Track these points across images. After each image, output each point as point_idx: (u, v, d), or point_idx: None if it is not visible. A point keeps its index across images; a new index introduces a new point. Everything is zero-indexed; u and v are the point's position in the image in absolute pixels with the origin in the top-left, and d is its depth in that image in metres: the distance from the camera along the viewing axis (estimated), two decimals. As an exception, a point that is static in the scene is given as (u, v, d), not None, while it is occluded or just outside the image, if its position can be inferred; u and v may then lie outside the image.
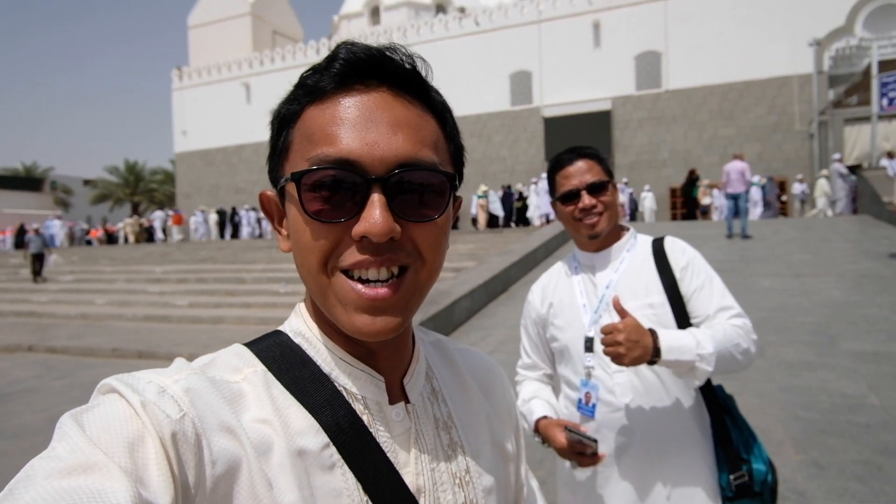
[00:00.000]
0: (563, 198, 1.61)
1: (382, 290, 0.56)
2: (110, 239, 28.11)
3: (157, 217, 28.26)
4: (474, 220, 20.28)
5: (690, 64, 23.06)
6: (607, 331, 1.35)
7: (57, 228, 24.46)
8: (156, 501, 0.44)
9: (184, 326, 9.87)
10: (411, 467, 0.62)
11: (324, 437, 0.57)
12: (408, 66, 0.60)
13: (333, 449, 0.57)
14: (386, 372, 0.65)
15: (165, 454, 0.47)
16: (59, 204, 42.02)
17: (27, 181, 37.13)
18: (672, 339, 1.38)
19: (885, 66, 14.80)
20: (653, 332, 1.38)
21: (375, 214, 0.54)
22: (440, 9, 32.44)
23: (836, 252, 10.06)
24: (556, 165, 1.64)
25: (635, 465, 1.51)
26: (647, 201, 20.81)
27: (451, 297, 7.25)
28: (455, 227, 21.67)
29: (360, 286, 0.56)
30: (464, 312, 7.45)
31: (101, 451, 0.44)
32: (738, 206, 12.30)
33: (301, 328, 0.65)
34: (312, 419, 0.58)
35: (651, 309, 1.54)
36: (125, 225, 27.81)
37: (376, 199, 0.54)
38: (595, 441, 1.39)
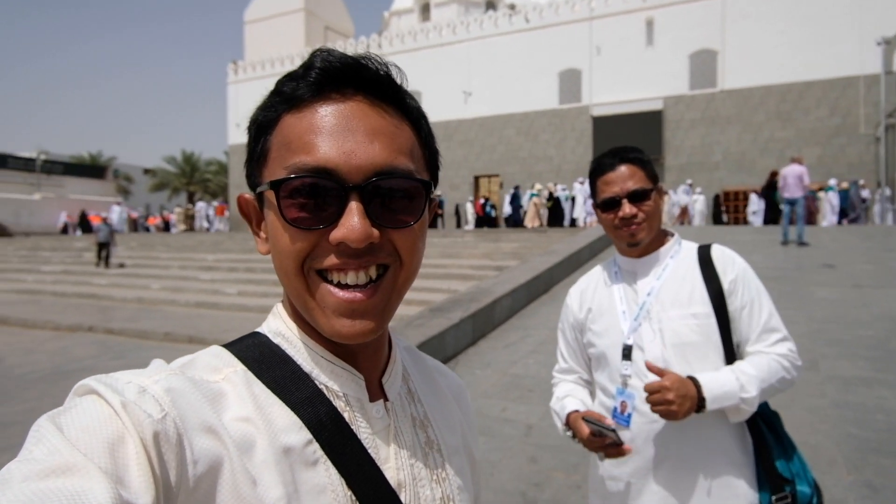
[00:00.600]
0: (602, 205, 1.57)
1: (360, 294, 0.58)
2: (167, 226, 29.30)
3: (199, 207, 29.20)
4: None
5: (748, 63, 22.26)
6: (654, 389, 1.36)
7: (116, 215, 25.57)
8: (137, 502, 0.44)
9: (232, 314, 10.18)
10: (392, 463, 0.64)
11: (306, 434, 0.58)
12: (383, 73, 0.61)
13: (316, 445, 0.58)
14: (365, 371, 0.66)
15: (146, 454, 0.47)
16: (120, 191, 43.92)
17: (92, 169, 39.00)
18: (716, 388, 1.39)
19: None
20: (694, 381, 1.39)
21: (354, 221, 0.55)
22: (490, 5, 32.31)
23: (900, 263, 9.55)
24: (596, 169, 1.59)
25: (670, 479, 1.47)
26: (698, 204, 20.24)
27: (492, 295, 7.25)
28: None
29: (338, 290, 0.58)
30: (504, 311, 7.44)
31: (79, 453, 0.44)
32: (794, 211, 11.82)
33: (280, 328, 0.66)
34: (295, 416, 0.58)
35: (695, 319, 1.50)
36: (176, 214, 28.94)
37: (354, 206, 0.56)
38: (613, 430, 1.38)
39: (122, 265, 15.92)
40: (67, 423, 0.47)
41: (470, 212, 23.68)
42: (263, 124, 0.61)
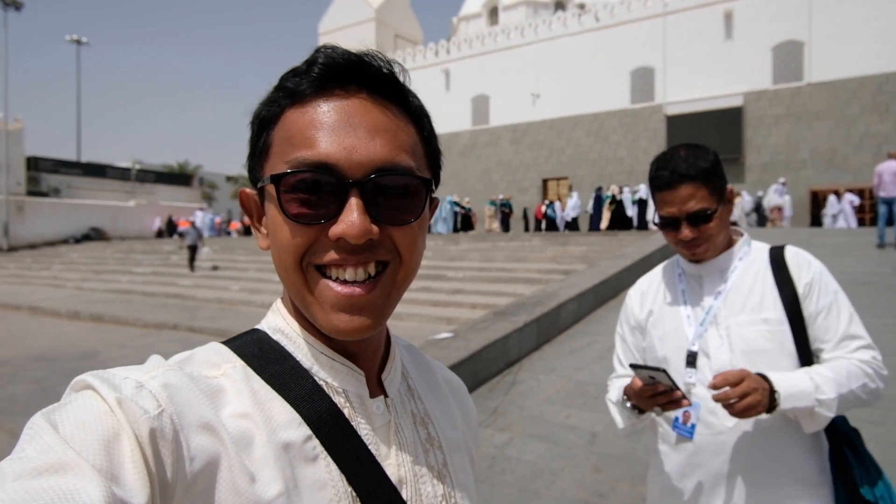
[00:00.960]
0: (662, 222, 1.47)
1: (359, 289, 0.58)
2: (247, 231, 30.84)
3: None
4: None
5: (838, 53, 20.76)
6: (737, 379, 1.24)
7: (199, 219, 27.13)
8: (131, 500, 0.44)
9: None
10: (392, 459, 0.63)
11: (306, 430, 0.58)
12: (386, 71, 0.61)
13: (316, 441, 0.58)
14: (364, 368, 0.66)
15: (141, 451, 0.47)
16: (205, 198, 46.62)
17: (180, 177, 41.56)
18: (789, 385, 1.28)
19: None
20: (766, 378, 1.28)
21: (353, 217, 0.55)
22: (559, 6, 31.91)
23: None
24: (654, 180, 1.46)
25: (737, 496, 1.38)
26: (785, 206, 19.06)
27: (558, 299, 7.12)
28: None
29: (336, 285, 0.58)
30: (570, 316, 7.29)
31: (73, 451, 0.44)
32: (892, 211, 10.90)
33: (280, 325, 0.66)
34: (294, 412, 0.58)
35: (766, 325, 1.40)
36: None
37: (354, 202, 0.56)
38: (664, 371, 1.26)
39: (215, 267, 16.38)
40: (62, 420, 0.46)
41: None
42: (266, 119, 0.62)
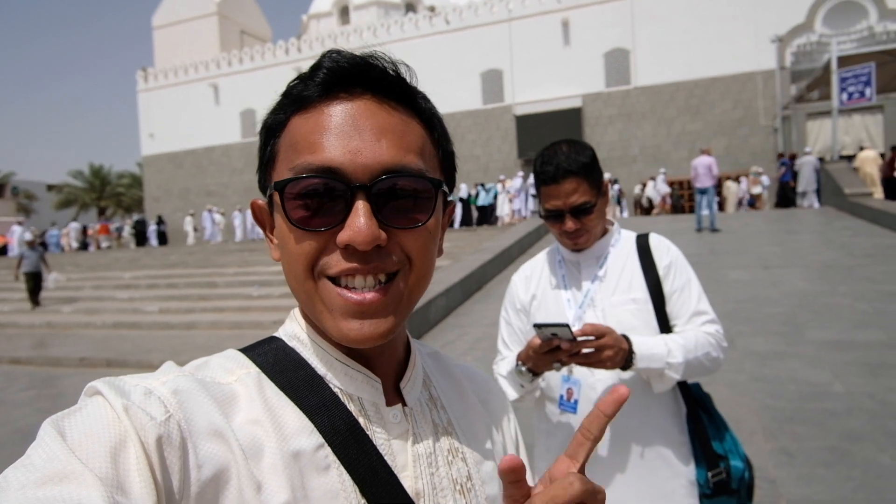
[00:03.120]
0: (546, 215, 1.58)
1: (370, 295, 0.56)
2: (84, 245, 27.51)
3: (72, 228, 27.49)
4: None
5: (658, 61, 23.41)
6: (601, 332, 1.34)
7: (17, 235, 23.60)
8: None
9: (155, 333, 9.65)
10: (410, 471, 0.61)
11: (318, 438, 0.56)
12: (391, 72, 0.60)
13: (328, 450, 0.56)
14: (381, 375, 0.64)
15: (147, 459, 0.46)
16: (21, 210, 40.76)
17: (-14, 187, 35.95)
18: (645, 348, 1.41)
19: (843, 61, 15.23)
20: (627, 339, 1.40)
21: (360, 222, 0.54)
22: (410, 8, 32.35)
23: (802, 244, 10.33)
24: (539, 175, 1.54)
25: (614, 460, 1.51)
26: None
27: (427, 295, 7.24)
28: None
29: (346, 292, 0.56)
30: (440, 311, 7.44)
31: (77, 460, 0.43)
32: (706, 200, 12.54)
33: (296, 331, 0.65)
34: (307, 420, 0.57)
35: (634, 304, 1.55)
36: (65, 232, 27.28)
37: (360, 206, 0.54)
38: (567, 325, 1.30)
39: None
40: (70, 427, 0.47)
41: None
42: (272, 127, 0.61)
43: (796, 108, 20.22)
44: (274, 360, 0.61)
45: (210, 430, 0.51)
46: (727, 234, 11.90)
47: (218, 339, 8.79)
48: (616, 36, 24.05)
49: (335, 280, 0.57)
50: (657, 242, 1.63)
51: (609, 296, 1.56)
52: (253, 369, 0.59)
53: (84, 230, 28.18)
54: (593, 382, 1.53)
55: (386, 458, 0.59)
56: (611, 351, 1.34)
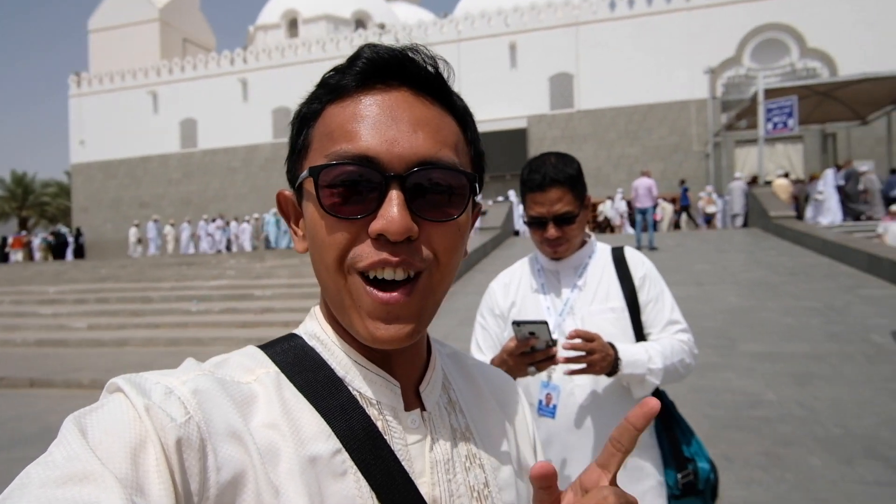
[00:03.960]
0: (529, 222, 1.62)
1: (396, 294, 0.55)
2: (4, 257, 25.71)
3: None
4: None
5: (600, 86, 24.37)
6: (591, 337, 1.39)
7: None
8: None
9: (84, 350, 9.11)
10: (427, 477, 0.60)
11: (336, 443, 0.55)
12: (430, 67, 0.60)
13: (346, 455, 0.55)
14: (401, 378, 0.63)
15: (167, 461, 0.46)
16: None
17: None
18: (630, 354, 1.47)
19: (770, 94, 16.22)
20: (612, 346, 1.46)
21: (393, 212, 0.53)
22: (360, 24, 32.45)
23: (732, 262, 10.89)
24: (527, 182, 1.59)
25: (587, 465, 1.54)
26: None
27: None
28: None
29: (374, 290, 0.55)
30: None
31: (97, 459, 0.43)
32: (645, 219, 13.07)
33: (316, 331, 0.64)
34: (325, 423, 0.56)
35: (612, 313, 1.60)
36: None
37: (394, 196, 0.54)
38: (545, 323, 1.32)
39: None
40: (92, 425, 0.47)
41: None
42: (307, 116, 0.60)
43: (726, 135, 21.45)
44: (293, 359, 0.60)
45: (229, 433, 0.51)
46: (663, 252, 12.40)
47: (153, 355, 8.40)
48: (561, 61, 24.89)
49: (364, 275, 0.56)
50: (632, 255, 1.71)
51: (588, 304, 1.61)
52: (272, 369, 0.59)
53: (3, 242, 26.44)
54: (572, 388, 1.56)
55: (403, 463, 0.58)
56: (599, 356, 1.39)
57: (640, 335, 1.61)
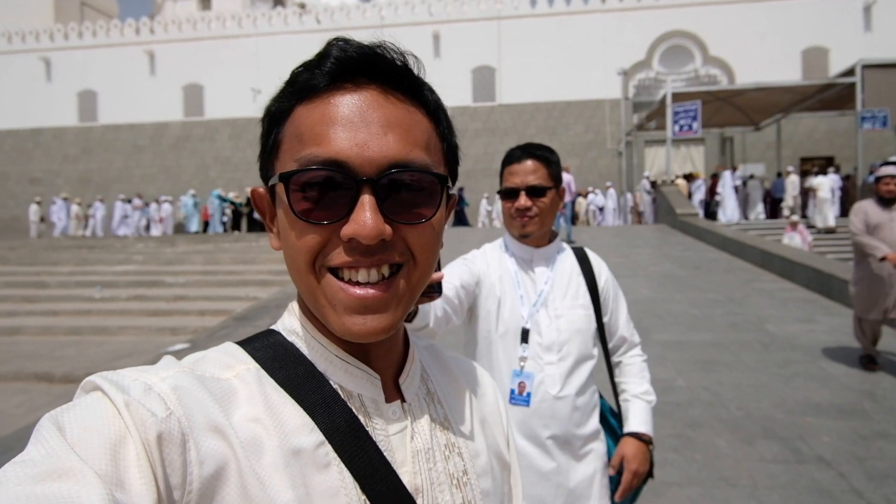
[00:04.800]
0: (503, 193, 1.66)
1: (372, 291, 0.56)
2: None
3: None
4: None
5: (520, 81, 24.93)
6: (637, 474, 1.63)
7: None
8: None
9: (-34, 341, 8.26)
10: (408, 466, 0.61)
11: (318, 436, 0.56)
12: (399, 64, 0.59)
13: (329, 447, 0.56)
14: (381, 371, 0.64)
15: (147, 456, 0.46)
16: None
17: None
18: (647, 423, 1.71)
19: (676, 97, 17.31)
20: (635, 434, 1.66)
21: (365, 216, 0.53)
22: (278, 2, 31.20)
23: (643, 256, 11.57)
24: (507, 159, 1.67)
25: (561, 451, 1.64)
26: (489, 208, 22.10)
27: (300, 300, 7.03)
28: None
29: (349, 287, 0.56)
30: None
31: (76, 456, 0.43)
32: (563, 214, 13.60)
33: (295, 326, 0.64)
34: (307, 417, 0.56)
35: (583, 310, 1.69)
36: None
37: (366, 200, 0.54)
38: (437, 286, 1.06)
39: None
40: (69, 422, 0.46)
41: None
42: (276, 115, 0.60)
43: (637, 135, 22.66)
44: (273, 354, 0.60)
45: (210, 427, 0.51)
46: (580, 245, 12.98)
47: (52, 345, 7.76)
48: (484, 53, 25.19)
49: (337, 273, 0.56)
50: (595, 259, 1.81)
51: (561, 299, 1.68)
52: (252, 365, 0.58)
53: None
54: (542, 377, 1.63)
55: (385, 454, 0.59)
56: (643, 469, 1.63)
57: (601, 333, 1.73)
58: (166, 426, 0.48)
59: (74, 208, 22.13)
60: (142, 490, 0.44)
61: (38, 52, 27.90)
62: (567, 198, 13.48)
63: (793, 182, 17.35)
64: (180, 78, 27.08)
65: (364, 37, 0.61)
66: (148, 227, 21.67)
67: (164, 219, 21.46)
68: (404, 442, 0.62)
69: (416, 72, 0.61)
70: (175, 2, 30.92)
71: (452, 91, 25.16)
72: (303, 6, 28.15)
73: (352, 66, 0.56)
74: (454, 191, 0.67)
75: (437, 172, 0.59)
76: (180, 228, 21.44)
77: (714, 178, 18.45)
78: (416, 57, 0.62)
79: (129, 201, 22.17)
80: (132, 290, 10.45)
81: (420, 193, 0.57)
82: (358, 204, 0.54)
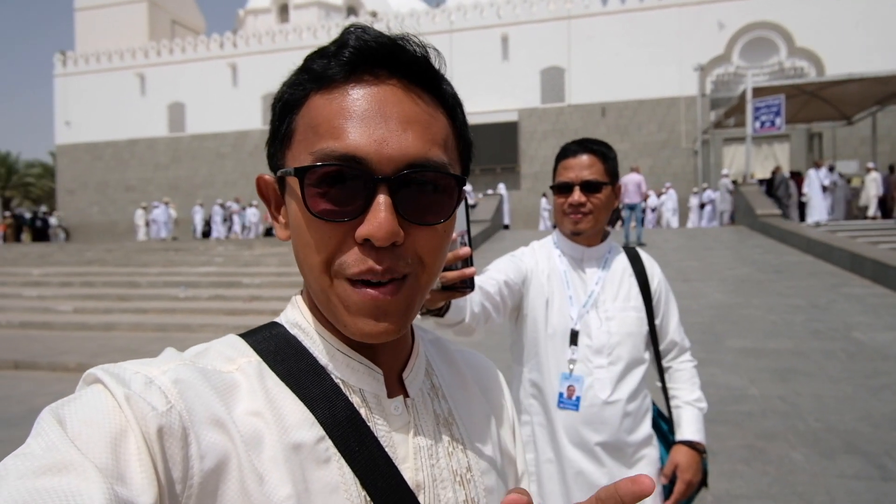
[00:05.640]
0: (557, 188, 1.60)
1: (384, 290, 0.55)
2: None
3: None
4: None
5: (591, 81, 24.39)
6: (690, 483, 1.61)
7: None
8: (137, 499, 0.43)
9: (69, 334, 9.04)
10: (410, 463, 0.60)
11: (319, 431, 0.55)
12: (420, 56, 0.57)
13: (329, 442, 0.55)
14: (384, 366, 0.63)
15: (148, 450, 0.45)
16: None
17: None
18: (698, 429, 1.67)
19: (757, 92, 16.39)
20: (687, 442, 1.64)
21: (381, 217, 0.52)
22: (351, 11, 32.14)
23: (718, 259, 11.04)
24: (561, 153, 1.64)
25: (614, 454, 1.58)
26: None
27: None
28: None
29: (362, 288, 0.55)
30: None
31: (76, 450, 0.43)
32: (634, 215, 13.18)
33: (298, 319, 0.63)
34: (308, 412, 0.56)
35: (635, 312, 1.63)
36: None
37: (382, 200, 0.52)
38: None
39: None
40: (70, 416, 0.46)
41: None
42: (290, 103, 0.58)
43: (714, 133, 21.63)
44: (275, 347, 0.59)
45: (211, 420, 0.50)
46: (651, 248, 12.53)
47: (141, 341, 8.36)
48: (553, 54, 24.86)
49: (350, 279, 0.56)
50: (647, 260, 1.74)
51: (612, 301, 1.62)
52: (254, 357, 0.58)
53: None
54: (592, 381, 1.57)
55: (387, 449, 0.58)
56: (696, 478, 1.61)
57: (653, 337, 1.69)
58: (167, 420, 0.47)
59: (172, 213, 23.74)
60: (143, 484, 0.44)
61: (133, 68, 30.13)
62: (636, 199, 13.05)
63: (875, 180, 15.99)
64: (260, 88, 28.41)
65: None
66: (242, 229, 23.26)
67: (254, 223, 23.08)
68: (407, 437, 0.61)
69: (436, 66, 0.59)
70: (256, 16, 32.49)
71: (521, 93, 25.01)
72: (374, 14, 28.83)
73: (371, 56, 0.55)
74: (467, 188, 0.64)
75: (455, 174, 0.57)
76: (269, 232, 22.59)
77: (800, 177, 17.32)
78: (437, 50, 0.60)
79: (224, 205, 23.76)
80: (213, 290, 11.07)
81: (436, 194, 0.56)
82: (374, 204, 0.52)
